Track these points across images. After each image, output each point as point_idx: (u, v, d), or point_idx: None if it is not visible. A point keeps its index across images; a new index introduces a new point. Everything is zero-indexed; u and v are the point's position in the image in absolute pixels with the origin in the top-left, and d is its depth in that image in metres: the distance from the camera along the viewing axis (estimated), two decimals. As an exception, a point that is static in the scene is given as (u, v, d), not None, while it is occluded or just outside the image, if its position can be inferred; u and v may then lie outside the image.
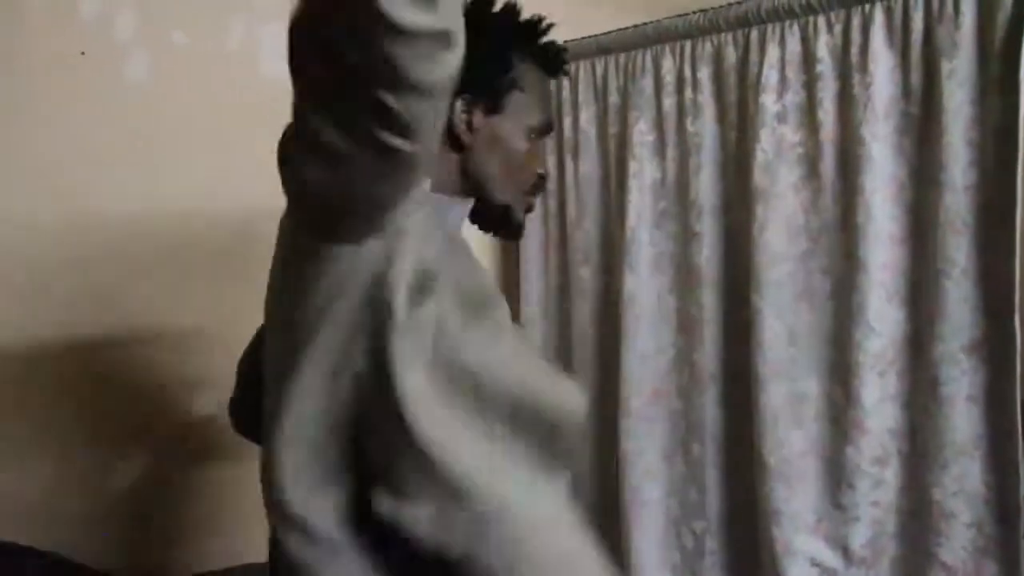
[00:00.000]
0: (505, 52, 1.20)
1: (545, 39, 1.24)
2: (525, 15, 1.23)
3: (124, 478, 1.89)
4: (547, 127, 1.26)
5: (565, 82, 2.23)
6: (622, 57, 2.10)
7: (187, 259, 1.92)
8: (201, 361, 1.93)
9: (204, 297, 1.93)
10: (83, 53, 1.80)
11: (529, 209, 1.25)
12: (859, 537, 1.74)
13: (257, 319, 1.11)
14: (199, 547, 1.94)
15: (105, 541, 1.85)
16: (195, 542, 1.95)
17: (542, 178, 1.26)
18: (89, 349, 1.83)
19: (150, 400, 1.91)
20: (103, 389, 1.85)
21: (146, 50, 1.87)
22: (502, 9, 1.21)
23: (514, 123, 1.21)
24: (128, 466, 1.90)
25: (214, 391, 1.90)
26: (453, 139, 1.17)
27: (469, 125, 1.18)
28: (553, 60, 1.25)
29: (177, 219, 1.89)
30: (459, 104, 1.16)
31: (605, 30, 2.11)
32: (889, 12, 1.61)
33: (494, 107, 1.19)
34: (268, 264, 1.03)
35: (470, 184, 1.20)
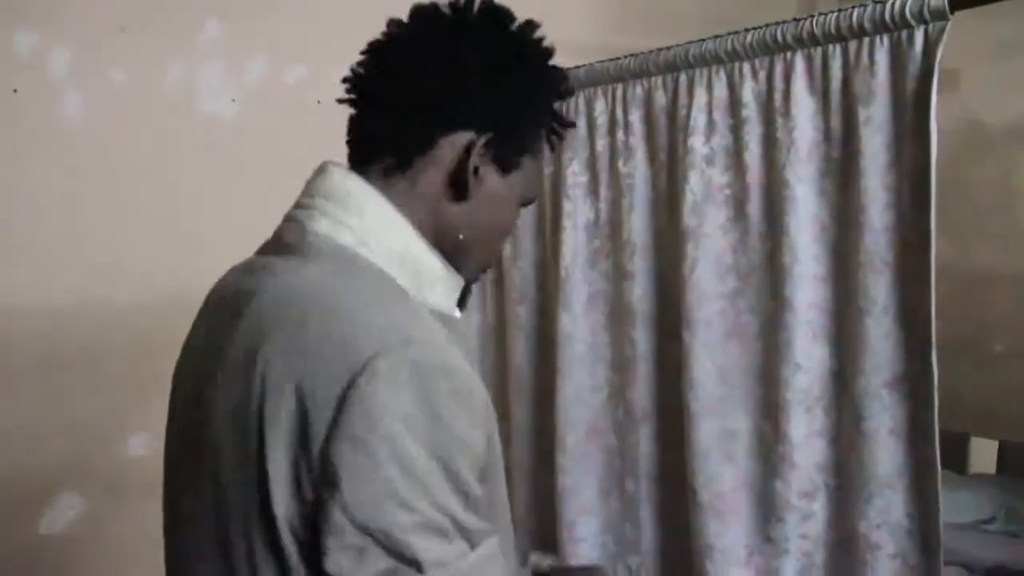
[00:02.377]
0: (548, 104, 0.97)
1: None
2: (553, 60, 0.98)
3: (54, 523, 1.85)
4: (530, 204, 1.07)
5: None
6: (556, 100, 2.14)
7: (123, 295, 1.90)
8: (134, 403, 1.90)
9: (136, 334, 1.91)
10: (15, 91, 1.79)
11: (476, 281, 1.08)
12: (789, 570, 1.77)
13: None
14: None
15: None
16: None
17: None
18: (20, 389, 1.79)
19: (80, 443, 1.88)
20: (32, 432, 1.81)
21: (81, 88, 1.86)
22: (546, 50, 0.96)
23: (512, 188, 0.99)
24: (58, 511, 1.85)
25: (147, 433, 1.87)
26: (458, 184, 0.94)
27: (476, 172, 0.95)
28: (562, 129, 1.02)
29: (111, 256, 1.87)
30: (480, 144, 0.92)
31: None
32: (809, 60, 1.68)
33: (508, 164, 0.96)
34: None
35: (442, 240, 0.97)
